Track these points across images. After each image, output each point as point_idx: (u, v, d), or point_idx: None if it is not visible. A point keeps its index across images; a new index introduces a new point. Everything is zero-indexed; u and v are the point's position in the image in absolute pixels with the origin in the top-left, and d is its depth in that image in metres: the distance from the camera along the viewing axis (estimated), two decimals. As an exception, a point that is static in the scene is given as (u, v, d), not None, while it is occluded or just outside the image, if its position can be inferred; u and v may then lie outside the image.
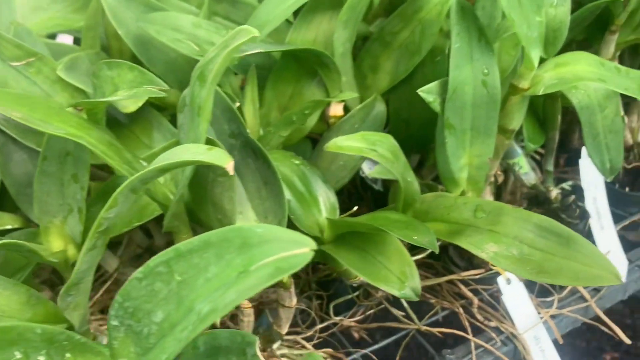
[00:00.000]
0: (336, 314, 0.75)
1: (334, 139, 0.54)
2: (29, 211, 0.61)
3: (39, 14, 0.76)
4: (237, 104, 0.59)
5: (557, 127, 0.78)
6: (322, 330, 0.72)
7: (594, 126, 0.72)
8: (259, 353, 0.42)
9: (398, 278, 0.53)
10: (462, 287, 0.73)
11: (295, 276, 0.79)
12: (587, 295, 0.74)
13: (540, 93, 0.59)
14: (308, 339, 0.69)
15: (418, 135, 0.74)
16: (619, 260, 0.78)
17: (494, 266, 0.70)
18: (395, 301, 0.74)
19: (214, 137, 0.52)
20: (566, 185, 0.82)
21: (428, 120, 0.68)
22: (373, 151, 0.54)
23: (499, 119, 0.63)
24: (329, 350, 0.68)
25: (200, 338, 0.44)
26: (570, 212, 0.80)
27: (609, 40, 0.75)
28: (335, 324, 0.74)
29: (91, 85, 0.57)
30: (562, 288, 0.75)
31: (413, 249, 0.64)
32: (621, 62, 0.89)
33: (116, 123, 0.66)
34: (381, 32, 0.70)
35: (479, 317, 0.72)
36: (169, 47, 0.65)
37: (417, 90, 0.60)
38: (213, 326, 0.65)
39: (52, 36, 0.87)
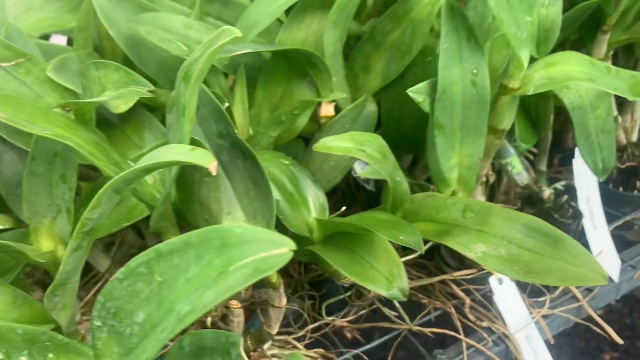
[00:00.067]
0: (329, 314, 0.75)
1: (323, 139, 0.54)
2: (19, 212, 0.61)
3: (32, 14, 0.76)
4: (227, 104, 0.59)
5: (550, 127, 0.78)
6: (314, 330, 0.72)
7: (586, 126, 0.72)
8: (243, 353, 0.42)
9: (386, 278, 0.53)
10: (454, 287, 0.73)
11: (288, 276, 0.79)
12: (579, 295, 0.74)
13: (530, 93, 0.59)
14: (300, 339, 0.70)
15: (410, 135, 0.74)
16: (611, 260, 0.78)
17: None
18: (387, 301, 0.74)
19: (202, 138, 0.52)
20: (559, 185, 0.82)
21: (420, 121, 0.67)
22: (361, 151, 0.54)
23: (490, 119, 0.63)
24: (320, 350, 0.68)
25: (185, 338, 0.44)
26: (563, 212, 0.80)
27: (601, 40, 0.75)
28: (327, 324, 0.74)
29: (81, 86, 0.58)
30: (554, 288, 0.75)
31: (406, 249, 0.64)
32: (615, 61, 0.89)
33: (108, 123, 0.66)
34: (372, 32, 0.70)
35: (471, 317, 0.72)
36: (160, 47, 0.65)
37: (407, 91, 0.60)
38: (204, 326, 0.66)
39: (46, 37, 0.87)
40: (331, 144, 0.54)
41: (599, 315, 1.45)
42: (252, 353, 0.63)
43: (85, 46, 0.74)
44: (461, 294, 0.73)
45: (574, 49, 0.83)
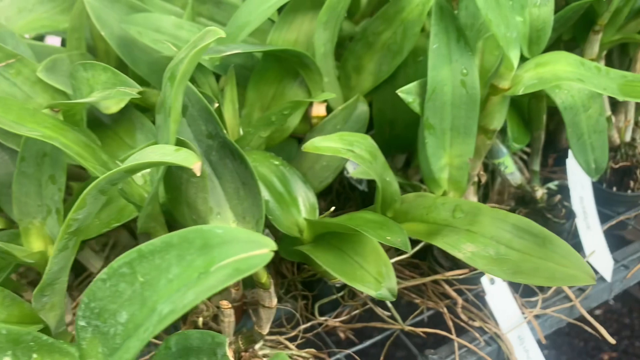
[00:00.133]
0: (322, 314, 0.75)
1: (311, 140, 0.54)
2: (11, 212, 0.61)
3: (25, 15, 0.76)
4: (216, 105, 0.59)
5: (543, 127, 0.78)
6: (306, 330, 0.72)
7: (578, 126, 0.72)
8: (228, 353, 0.42)
9: (375, 278, 0.53)
10: (447, 287, 0.73)
11: (281, 276, 0.79)
12: (572, 295, 0.74)
13: (520, 93, 0.59)
14: (292, 339, 0.70)
15: (403, 135, 0.74)
16: (604, 260, 0.78)
17: (477, 266, 0.70)
18: (380, 301, 0.74)
19: (192, 138, 0.52)
20: (552, 185, 0.82)
21: (412, 121, 0.68)
22: (350, 152, 0.54)
23: (480, 119, 0.63)
24: (312, 350, 0.68)
25: (172, 338, 0.44)
26: (556, 212, 0.80)
27: (593, 39, 0.75)
28: (320, 324, 0.74)
29: (71, 87, 0.58)
30: (547, 288, 0.75)
31: (399, 250, 0.64)
32: (610, 61, 0.89)
33: (100, 124, 0.66)
34: (364, 33, 0.70)
35: (463, 317, 0.72)
36: (152, 48, 0.66)
37: (397, 91, 0.60)
38: (196, 326, 0.66)
39: (41, 38, 0.87)
40: (320, 144, 0.54)
41: (597, 315, 1.45)
42: (243, 353, 0.63)
43: (78, 47, 0.74)
44: (453, 294, 0.73)
45: (568, 49, 0.83)
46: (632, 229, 0.88)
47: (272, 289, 0.58)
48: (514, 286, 0.73)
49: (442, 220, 0.57)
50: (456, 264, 0.74)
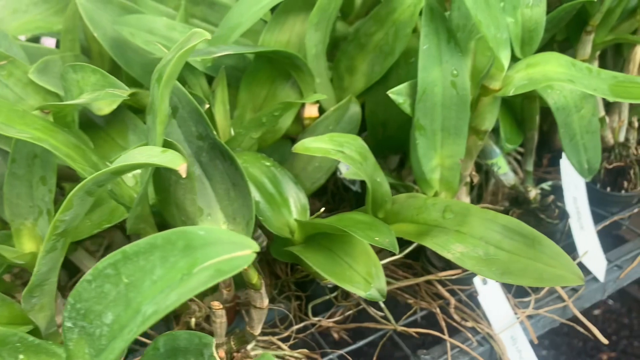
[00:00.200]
0: (315, 315, 0.75)
1: (302, 141, 0.54)
2: (2, 213, 0.61)
3: (19, 16, 0.76)
4: (207, 106, 0.59)
5: (536, 127, 0.78)
6: (299, 331, 0.72)
7: (571, 127, 0.72)
8: (220, 354, 0.43)
9: (364, 279, 0.53)
10: (440, 287, 0.73)
11: (275, 277, 0.79)
12: (564, 295, 0.74)
13: (511, 94, 0.59)
14: (285, 340, 0.70)
15: (396, 136, 0.74)
16: (598, 260, 0.78)
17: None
18: (373, 302, 0.74)
19: (182, 139, 0.52)
20: (546, 186, 0.82)
21: (405, 121, 0.68)
22: (340, 152, 0.54)
23: (472, 119, 0.63)
24: (305, 350, 0.68)
25: (160, 339, 0.45)
26: (549, 212, 0.80)
27: (585, 40, 0.75)
28: (313, 325, 0.74)
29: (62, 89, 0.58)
30: (540, 288, 0.75)
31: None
32: (604, 61, 0.89)
33: (93, 126, 0.66)
34: (356, 34, 0.71)
35: (456, 317, 0.72)
36: (145, 49, 0.66)
37: (388, 92, 0.60)
38: (188, 327, 0.66)
39: (36, 39, 0.87)
40: (310, 145, 0.54)
41: (596, 315, 1.45)
42: (235, 353, 0.63)
43: (72, 48, 0.74)
44: (446, 294, 0.73)
45: (562, 49, 0.83)
46: (626, 229, 0.88)
47: (263, 290, 0.58)
48: (507, 286, 0.73)
49: (432, 221, 0.57)
50: (449, 264, 0.74)
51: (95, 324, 0.37)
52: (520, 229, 0.54)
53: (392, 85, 0.63)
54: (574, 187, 0.79)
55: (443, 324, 0.71)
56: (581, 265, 0.77)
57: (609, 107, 0.86)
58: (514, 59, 0.65)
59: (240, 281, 0.61)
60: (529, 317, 0.73)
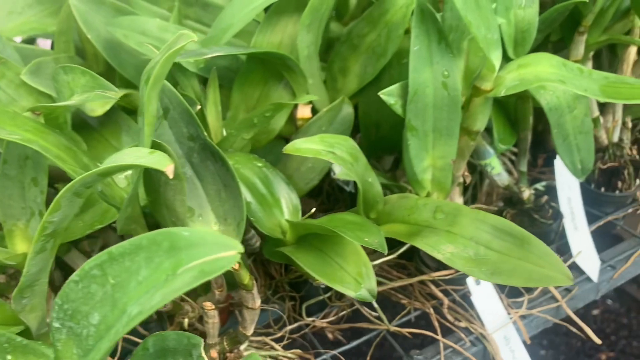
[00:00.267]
0: (309, 315, 0.75)
1: (293, 142, 0.55)
2: (-4, 214, 0.61)
3: (14, 18, 0.77)
4: (199, 107, 0.59)
5: (529, 128, 0.79)
6: (293, 331, 0.72)
7: (564, 127, 0.72)
8: (203, 354, 0.43)
9: (354, 279, 0.53)
10: (433, 287, 0.74)
11: (270, 277, 0.79)
12: (558, 296, 0.74)
13: (502, 95, 0.59)
14: (278, 340, 0.70)
15: (389, 137, 0.74)
16: (591, 260, 0.78)
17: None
18: (367, 302, 0.74)
19: (173, 140, 0.53)
20: (539, 186, 0.83)
21: (398, 122, 0.68)
22: (331, 153, 0.55)
23: (463, 120, 0.63)
24: (298, 351, 0.68)
25: (149, 339, 0.45)
26: (543, 213, 0.80)
27: (578, 41, 0.75)
28: (307, 325, 0.74)
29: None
30: (533, 288, 0.75)
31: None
32: (599, 62, 0.89)
33: (86, 127, 0.66)
34: (349, 35, 0.71)
35: (449, 317, 0.72)
36: (138, 50, 0.66)
37: (379, 93, 0.60)
38: (181, 327, 0.66)
39: (32, 41, 0.88)
40: (301, 146, 0.54)
41: (595, 315, 1.45)
42: (228, 354, 0.63)
43: (66, 50, 0.75)
44: (440, 295, 0.73)
45: (556, 50, 0.83)
46: (620, 229, 0.88)
47: (255, 290, 0.58)
48: (500, 287, 0.73)
49: (423, 222, 0.58)
50: (442, 264, 0.74)
51: (83, 325, 0.37)
52: (510, 229, 0.54)
53: (384, 86, 0.63)
54: (568, 187, 0.79)
55: (436, 324, 0.71)
56: (575, 266, 0.78)
57: (603, 107, 0.86)
58: (508, 60, 0.65)
59: (233, 282, 0.62)
60: (522, 317, 0.73)
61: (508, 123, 0.78)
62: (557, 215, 0.80)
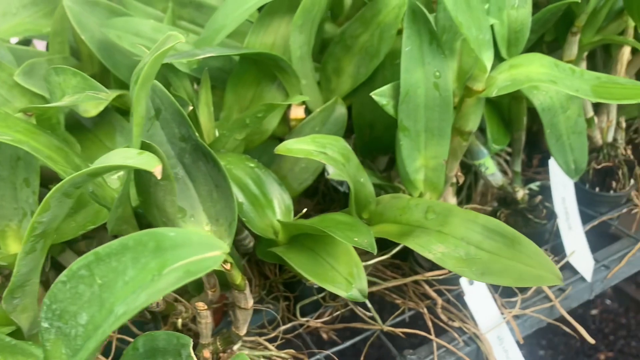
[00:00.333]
0: (304, 315, 0.75)
1: (285, 142, 0.55)
2: (-11, 215, 0.61)
3: (8, 19, 0.77)
4: (191, 108, 0.60)
5: (523, 128, 0.79)
6: (287, 331, 0.72)
7: (557, 127, 0.72)
8: (192, 354, 0.43)
9: (345, 279, 0.53)
10: (427, 287, 0.74)
11: (264, 277, 0.79)
12: (551, 295, 0.74)
13: (494, 95, 0.60)
14: (272, 340, 0.70)
15: (383, 137, 0.74)
16: (585, 260, 0.78)
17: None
18: (361, 302, 0.74)
19: (165, 141, 0.53)
20: (534, 186, 0.83)
21: (392, 123, 0.68)
22: (322, 154, 0.55)
23: (456, 120, 0.63)
24: (291, 351, 0.68)
25: (139, 339, 0.45)
26: (537, 213, 0.80)
27: (571, 41, 0.75)
28: (301, 325, 0.74)
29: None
30: (527, 288, 0.75)
31: (381, 251, 0.64)
32: (593, 62, 0.89)
33: (80, 127, 0.67)
34: (343, 36, 0.71)
35: (443, 317, 0.72)
36: (132, 51, 0.66)
37: (371, 94, 0.61)
38: (175, 327, 0.66)
39: (27, 42, 0.88)
40: (292, 146, 0.54)
41: (594, 315, 1.45)
42: (221, 354, 0.63)
43: (61, 51, 0.75)
44: (433, 295, 0.73)
45: (550, 50, 0.83)
46: (615, 229, 0.88)
47: (247, 291, 0.58)
48: (494, 286, 0.73)
49: (415, 222, 0.58)
50: (436, 264, 0.74)
51: (71, 325, 0.37)
52: (501, 229, 0.54)
53: (378, 86, 0.63)
54: (562, 187, 0.79)
55: (430, 324, 0.71)
56: (569, 265, 0.78)
57: (597, 107, 0.87)
58: (501, 61, 0.65)
59: (226, 282, 0.62)
60: (516, 317, 0.73)
61: (502, 123, 0.78)
62: (552, 215, 0.80)
